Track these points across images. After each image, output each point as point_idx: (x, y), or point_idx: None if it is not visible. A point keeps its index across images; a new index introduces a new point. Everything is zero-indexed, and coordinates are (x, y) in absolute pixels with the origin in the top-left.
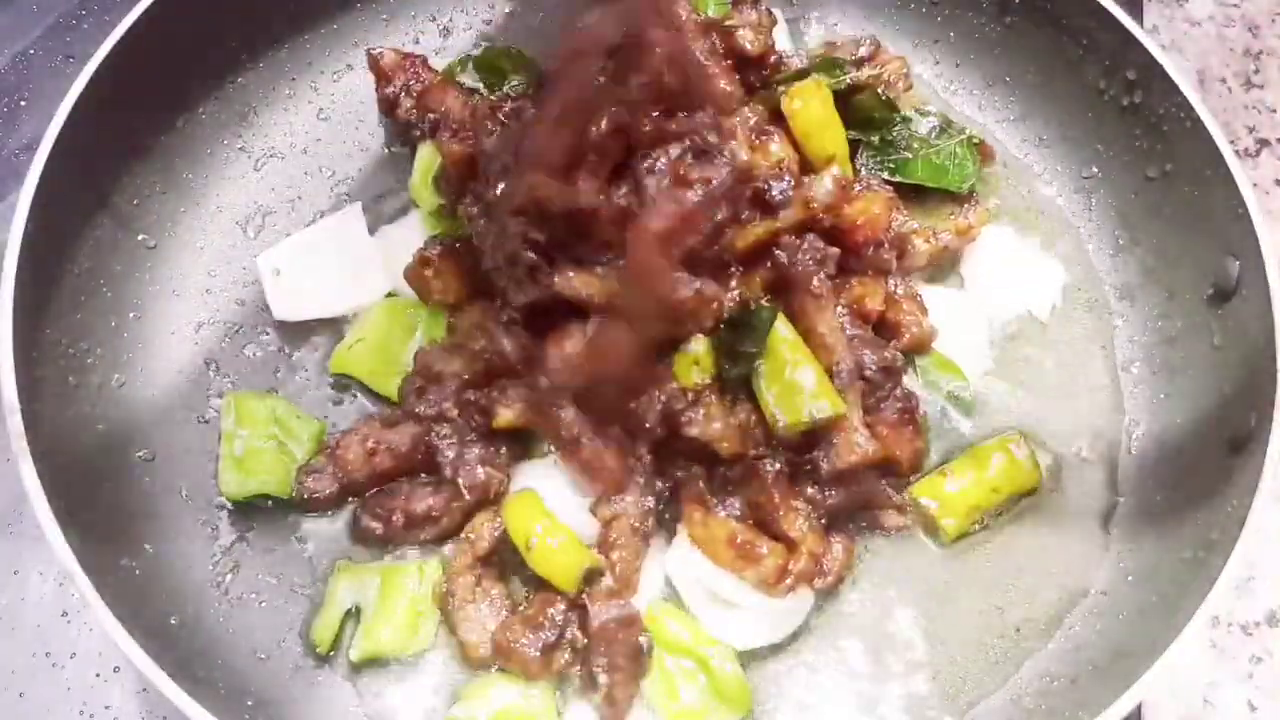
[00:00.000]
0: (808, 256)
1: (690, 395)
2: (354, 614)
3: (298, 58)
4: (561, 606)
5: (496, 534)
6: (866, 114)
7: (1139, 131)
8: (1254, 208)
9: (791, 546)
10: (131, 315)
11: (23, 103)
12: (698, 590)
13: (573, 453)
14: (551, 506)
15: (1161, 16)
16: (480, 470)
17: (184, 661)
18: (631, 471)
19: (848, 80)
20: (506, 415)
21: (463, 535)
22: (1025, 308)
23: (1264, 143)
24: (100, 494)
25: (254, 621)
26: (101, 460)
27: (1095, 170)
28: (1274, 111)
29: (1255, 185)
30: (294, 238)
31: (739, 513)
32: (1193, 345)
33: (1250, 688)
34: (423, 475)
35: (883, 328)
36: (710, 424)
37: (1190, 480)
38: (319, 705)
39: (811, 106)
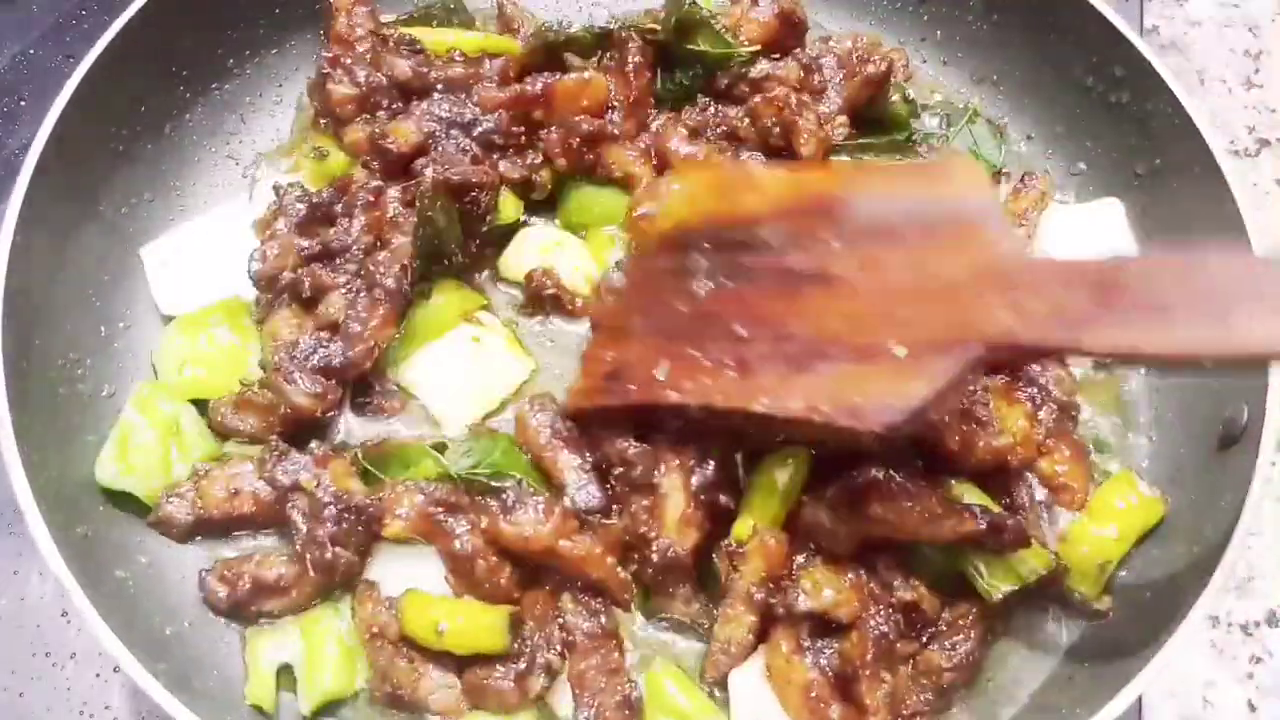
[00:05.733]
0: None
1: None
2: (286, 670)
3: (284, 63)
4: (533, 630)
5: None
6: (891, 117)
7: (1127, 128)
8: (1242, 202)
9: (861, 714)
10: (121, 325)
11: (23, 103)
12: (750, 716)
13: (466, 569)
14: (426, 588)
15: (1161, 16)
16: (329, 551)
17: (179, 673)
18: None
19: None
20: (396, 526)
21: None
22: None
23: (1264, 143)
24: (93, 505)
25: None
26: (93, 472)
27: (1084, 166)
28: (1274, 111)
29: (1255, 185)
30: (178, 228)
31: (825, 662)
32: None
33: (1250, 688)
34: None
35: None
36: (820, 594)
37: (1184, 478)
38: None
39: None
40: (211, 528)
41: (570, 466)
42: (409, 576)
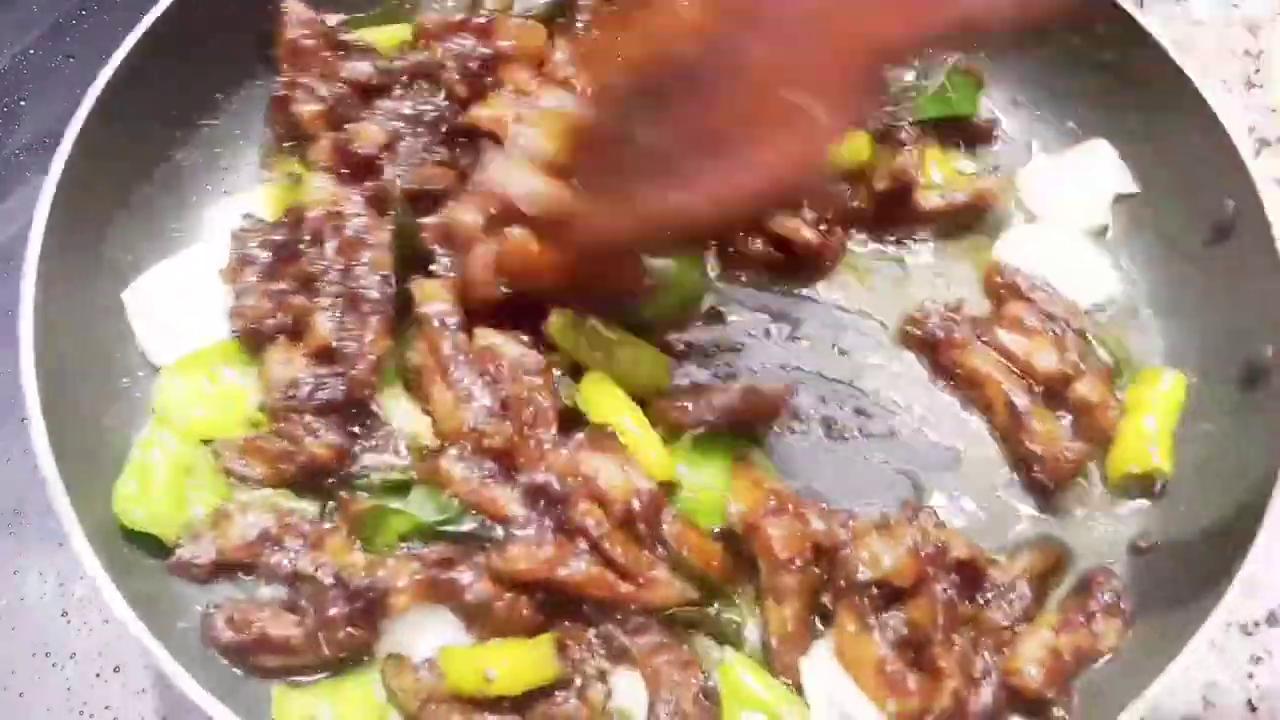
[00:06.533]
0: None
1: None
2: None
3: (270, 94)
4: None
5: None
6: None
7: (1116, 83)
8: (1243, 145)
9: (937, 678)
10: (140, 374)
11: (23, 103)
12: (826, 700)
13: (485, 615)
14: (448, 638)
15: (1161, 16)
16: (343, 631)
17: None
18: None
19: None
20: (403, 600)
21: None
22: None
23: (1264, 142)
24: (137, 559)
25: None
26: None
27: (1073, 125)
28: (1274, 111)
29: None
30: (154, 270)
31: (894, 635)
32: (1190, 288)
33: (1250, 688)
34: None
35: None
36: (880, 563)
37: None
38: None
39: None
40: (231, 569)
41: (510, 500)
42: (429, 632)
